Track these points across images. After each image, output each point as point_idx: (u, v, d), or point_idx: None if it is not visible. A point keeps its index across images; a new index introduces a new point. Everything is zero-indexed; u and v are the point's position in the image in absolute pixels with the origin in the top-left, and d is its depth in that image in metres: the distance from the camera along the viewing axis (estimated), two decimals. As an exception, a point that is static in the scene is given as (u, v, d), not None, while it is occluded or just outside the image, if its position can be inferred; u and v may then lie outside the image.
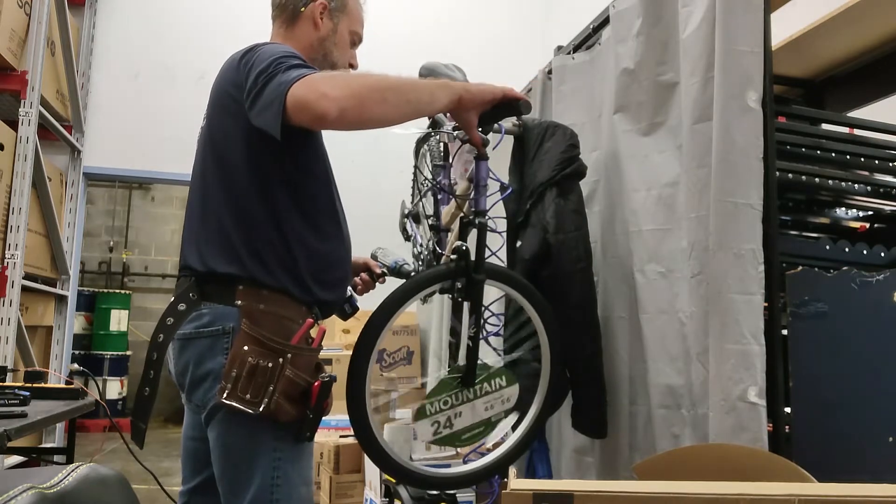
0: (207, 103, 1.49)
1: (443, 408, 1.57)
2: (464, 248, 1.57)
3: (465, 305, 1.65)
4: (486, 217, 1.62)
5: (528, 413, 1.72)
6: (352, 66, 1.66)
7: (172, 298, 1.40)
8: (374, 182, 4.49)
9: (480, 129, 1.48)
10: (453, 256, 1.58)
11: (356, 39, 1.67)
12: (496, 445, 1.75)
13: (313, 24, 1.59)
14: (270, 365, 1.29)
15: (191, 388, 1.38)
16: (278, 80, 1.23)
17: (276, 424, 1.31)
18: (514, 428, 1.73)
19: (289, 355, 1.31)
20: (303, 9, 1.58)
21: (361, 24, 1.68)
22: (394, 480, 2.09)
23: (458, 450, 1.74)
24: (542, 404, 1.73)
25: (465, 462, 1.72)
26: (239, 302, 1.35)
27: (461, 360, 1.65)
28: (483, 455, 1.72)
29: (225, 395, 1.27)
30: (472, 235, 1.67)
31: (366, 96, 1.22)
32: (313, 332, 1.41)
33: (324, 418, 1.38)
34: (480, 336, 1.62)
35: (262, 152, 1.37)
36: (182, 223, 1.58)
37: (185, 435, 1.51)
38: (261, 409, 1.27)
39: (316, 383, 1.33)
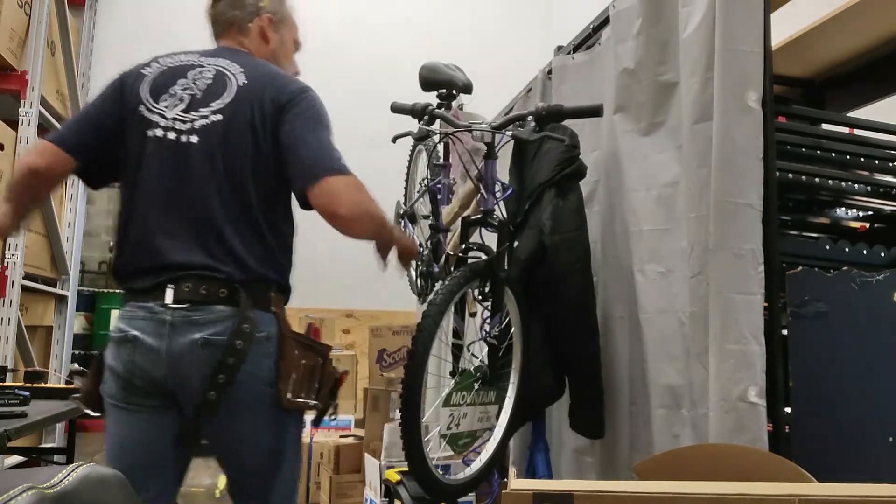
0: (226, 105, 1.46)
1: (461, 402, 1.59)
2: (475, 246, 1.60)
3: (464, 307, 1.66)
4: (495, 217, 1.64)
5: (504, 399, 1.75)
6: (296, 73, 1.71)
7: (229, 306, 1.37)
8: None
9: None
10: (483, 256, 1.61)
11: (298, 47, 1.74)
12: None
13: (262, 39, 1.63)
14: (317, 364, 1.46)
15: (233, 390, 1.37)
16: (339, 163, 1.42)
17: (301, 414, 1.49)
18: (497, 415, 1.75)
19: (327, 355, 1.49)
20: (250, 24, 1.62)
21: (298, 30, 1.74)
22: (394, 480, 2.09)
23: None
24: (517, 391, 1.76)
25: (465, 462, 1.73)
26: (273, 309, 1.42)
27: (466, 365, 1.66)
28: (479, 454, 1.72)
29: (290, 395, 1.40)
30: (477, 235, 1.68)
31: (360, 217, 1.42)
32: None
33: (325, 418, 1.55)
34: (486, 336, 1.64)
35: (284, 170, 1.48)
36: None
37: (156, 442, 1.41)
38: (320, 405, 1.47)
39: (343, 377, 1.51)
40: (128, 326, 1.39)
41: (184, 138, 1.44)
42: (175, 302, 1.37)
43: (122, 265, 1.47)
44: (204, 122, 1.45)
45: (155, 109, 1.48)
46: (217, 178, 1.43)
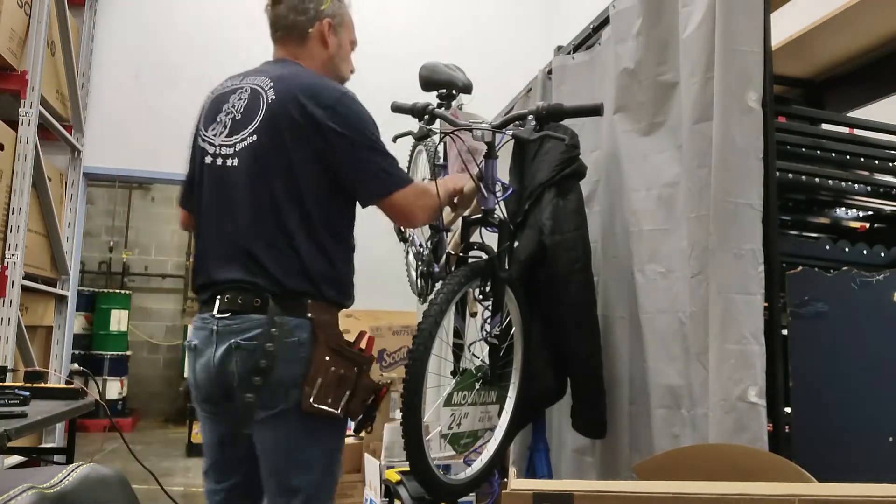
0: (258, 125, 1.51)
1: (462, 402, 1.60)
2: (475, 246, 1.60)
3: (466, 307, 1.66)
4: (496, 216, 1.64)
5: (506, 399, 1.75)
6: (351, 71, 1.77)
7: (263, 314, 1.45)
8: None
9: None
10: (484, 255, 1.62)
11: (354, 46, 1.78)
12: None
13: (322, 43, 1.67)
14: (351, 373, 1.48)
15: (261, 392, 1.46)
16: (396, 176, 1.53)
17: (341, 421, 1.52)
18: (499, 414, 1.75)
19: (364, 366, 1.50)
20: (310, 29, 1.64)
21: (354, 29, 1.77)
22: (394, 480, 2.09)
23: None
24: (518, 391, 1.76)
25: (466, 462, 1.73)
26: (310, 315, 1.48)
27: (468, 365, 1.67)
28: (480, 454, 1.72)
29: (312, 399, 1.44)
30: (477, 235, 1.68)
31: (430, 216, 1.65)
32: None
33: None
34: (485, 336, 1.64)
35: (335, 189, 1.53)
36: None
37: (225, 444, 1.58)
38: (340, 412, 1.47)
39: (383, 390, 1.54)
40: (192, 337, 1.56)
41: (228, 162, 1.54)
42: (219, 312, 1.49)
43: (193, 281, 1.62)
44: (242, 144, 1.54)
45: (205, 138, 1.59)
46: (253, 200, 1.50)
